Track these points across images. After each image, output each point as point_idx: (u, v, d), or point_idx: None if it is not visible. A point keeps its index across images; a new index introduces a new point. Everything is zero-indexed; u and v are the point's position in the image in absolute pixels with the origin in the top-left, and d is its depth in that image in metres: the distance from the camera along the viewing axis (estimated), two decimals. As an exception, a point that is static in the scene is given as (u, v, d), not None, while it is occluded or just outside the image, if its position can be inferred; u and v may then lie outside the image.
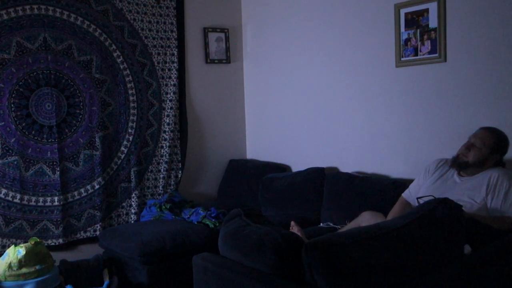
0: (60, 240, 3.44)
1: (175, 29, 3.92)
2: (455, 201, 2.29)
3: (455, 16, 2.78)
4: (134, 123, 3.75)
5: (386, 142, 3.22)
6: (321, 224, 3.17)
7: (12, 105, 3.28)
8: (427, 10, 2.88)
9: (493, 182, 2.36)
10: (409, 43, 2.99)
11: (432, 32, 2.87)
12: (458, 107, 2.82)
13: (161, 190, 3.89)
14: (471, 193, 2.40)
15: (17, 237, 3.31)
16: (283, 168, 3.96)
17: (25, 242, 2.90)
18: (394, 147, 3.18)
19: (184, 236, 3.09)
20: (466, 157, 2.45)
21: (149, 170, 3.86)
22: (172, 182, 3.96)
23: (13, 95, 3.27)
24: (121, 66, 3.68)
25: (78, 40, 3.48)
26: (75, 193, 3.51)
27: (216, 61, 4.18)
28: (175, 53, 3.92)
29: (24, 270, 2.69)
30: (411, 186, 2.73)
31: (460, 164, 2.47)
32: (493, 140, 2.42)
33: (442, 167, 2.63)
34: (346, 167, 3.48)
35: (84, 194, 3.55)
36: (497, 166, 2.45)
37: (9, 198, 3.29)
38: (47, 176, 3.40)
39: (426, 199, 2.23)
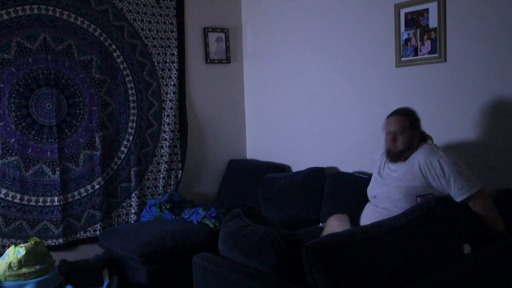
0: (60, 240, 3.44)
1: (175, 29, 3.92)
2: (394, 188, 2.38)
3: (455, 16, 2.78)
4: (134, 123, 3.75)
5: (386, 142, 3.21)
6: (321, 224, 3.17)
7: (12, 105, 3.28)
8: (427, 10, 2.88)
9: (424, 166, 2.37)
10: (409, 43, 2.99)
11: (432, 32, 2.87)
12: (458, 107, 2.82)
13: (161, 190, 3.89)
14: (407, 176, 2.41)
15: (17, 237, 3.31)
16: (283, 168, 3.97)
17: (25, 242, 2.90)
18: (394, 147, 3.17)
19: (184, 236, 3.09)
20: (397, 147, 2.48)
21: (149, 170, 3.86)
22: (172, 182, 3.96)
23: (13, 95, 3.27)
24: (121, 66, 3.68)
25: (78, 40, 3.48)
26: (75, 193, 3.51)
27: (216, 61, 4.18)
28: (175, 53, 3.92)
29: (24, 270, 2.69)
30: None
31: (396, 155, 2.49)
32: (407, 119, 2.48)
33: (381, 160, 2.66)
34: (346, 167, 3.48)
35: (84, 194, 3.55)
36: (422, 140, 2.49)
37: (9, 198, 3.29)
38: (47, 176, 3.40)
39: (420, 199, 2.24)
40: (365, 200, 3.01)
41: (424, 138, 2.52)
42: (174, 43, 3.92)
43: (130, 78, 3.73)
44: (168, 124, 3.90)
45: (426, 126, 2.97)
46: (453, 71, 2.82)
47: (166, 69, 3.90)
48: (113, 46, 3.64)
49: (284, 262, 1.70)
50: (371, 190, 2.64)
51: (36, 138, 3.36)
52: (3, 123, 3.25)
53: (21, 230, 3.33)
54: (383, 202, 2.49)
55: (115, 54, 3.65)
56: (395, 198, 2.43)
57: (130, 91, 3.73)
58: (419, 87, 3.00)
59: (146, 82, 3.80)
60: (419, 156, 2.41)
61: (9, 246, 2.94)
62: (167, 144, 3.90)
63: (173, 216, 3.48)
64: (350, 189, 3.15)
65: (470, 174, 2.32)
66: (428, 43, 2.90)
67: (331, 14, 3.50)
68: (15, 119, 3.29)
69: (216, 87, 4.21)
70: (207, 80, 4.15)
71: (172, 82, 3.91)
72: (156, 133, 3.87)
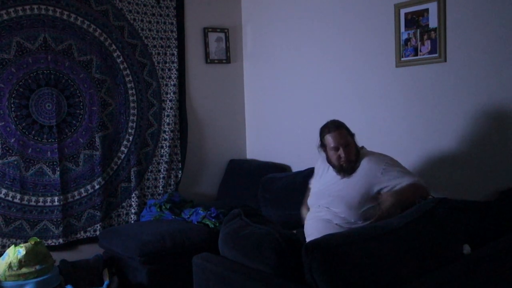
0: (60, 240, 3.44)
1: (175, 29, 3.92)
2: (352, 198, 2.43)
3: (455, 16, 2.78)
4: (134, 123, 3.75)
5: (386, 142, 3.21)
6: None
7: (12, 105, 3.28)
8: (427, 10, 2.88)
9: (370, 173, 2.45)
10: (409, 43, 2.99)
11: (432, 32, 2.87)
12: (458, 107, 2.82)
13: (161, 190, 3.89)
14: (356, 186, 2.46)
15: (17, 237, 3.31)
16: (283, 168, 3.96)
17: (25, 242, 2.90)
18: (394, 147, 3.17)
19: (184, 236, 3.09)
20: (351, 159, 2.51)
21: (149, 170, 3.86)
22: (172, 182, 3.96)
23: (13, 95, 3.27)
24: (121, 66, 3.68)
25: (78, 40, 3.48)
26: (75, 193, 3.51)
27: (216, 61, 4.18)
28: (175, 53, 3.92)
29: (24, 270, 2.69)
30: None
31: (350, 169, 2.51)
32: (346, 130, 2.56)
33: (323, 170, 2.68)
34: (346, 167, 3.47)
35: (84, 194, 3.55)
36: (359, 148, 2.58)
37: (9, 198, 3.29)
38: (47, 176, 3.40)
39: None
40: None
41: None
42: (174, 43, 3.92)
43: (130, 78, 3.73)
44: (168, 124, 3.90)
45: (426, 126, 2.98)
46: (453, 71, 2.82)
47: (166, 69, 3.90)
48: (113, 46, 3.64)
49: (284, 262, 1.70)
50: (313, 200, 2.63)
51: (36, 138, 3.36)
52: (3, 123, 3.25)
53: (21, 230, 3.33)
54: (326, 213, 2.49)
55: (115, 54, 3.65)
56: (338, 210, 2.46)
57: (130, 91, 3.73)
58: (419, 87, 3.00)
59: (146, 82, 3.80)
60: (371, 163, 2.47)
61: (9, 246, 2.94)
62: (167, 144, 3.90)
63: (173, 216, 3.48)
64: (350, 189, 3.14)
65: (410, 172, 2.51)
66: (428, 43, 2.90)
67: (331, 14, 3.50)
68: (15, 119, 3.29)
69: (216, 87, 4.21)
70: (207, 80, 4.15)
71: (172, 82, 3.91)
72: (156, 133, 3.87)
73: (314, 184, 2.74)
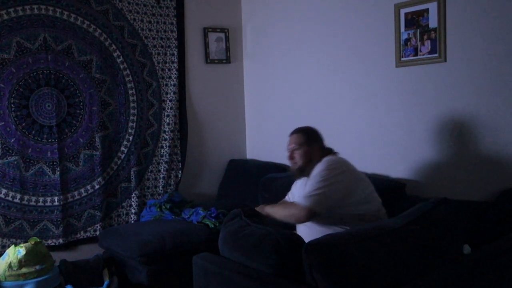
0: (60, 240, 3.44)
1: (175, 29, 3.92)
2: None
3: (455, 16, 2.78)
4: (134, 123, 3.76)
5: (386, 142, 3.22)
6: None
7: (12, 105, 3.28)
8: (427, 10, 2.88)
9: (312, 175, 2.46)
10: (409, 43, 2.99)
11: (432, 32, 2.87)
12: (458, 107, 2.82)
13: (161, 190, 3.89)
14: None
15: (17, 237, 3.31)
16: (283, 168, 3.96)
17: (25, 242, 2.90)
18: (394, 147, 3.18)
19: (184, 236, 3.09)
20: (296, 163, 2.57)
21: (149, 170, 3.86)
22: (172, 182, 3.96)
23: (13, 95, 3.28)
24: (121, 66, 3.68)
25: (78, 40, 3.48)
26: (75, 193, 3.51)
27: (216, 61, 4.18)
28: (175, 53, 3.92)
29: (24, 270, 2.69)
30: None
31: (298, 172, 2.59)
32: (303, 135, 2.59)
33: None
34: (346, 167, 3.47)
35: (84, 194, 3.55)
36: (325, 155, 2.54)
37: (9, 198, 3.29)
38: (47, 176, 3.40)
39: None
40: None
41: (328, 153, 2.58)
42: (174, 43, 3.92)
43: (130, 78, 3.73)
44: (168, 124, 3.90)
45: (425, 125, 2.98)
46: (453, 71, 2.82)
47: (166, 69, 3.90)
48: (113, 46, 3.64)
49: (284, 262, 1.70)
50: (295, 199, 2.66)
51: (36, 138, 3.36)
52: (3, 123, 3.25)
53: (21, 230, 3.33)
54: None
55: (115, 54, 3.65)
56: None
57: (130, 91, 3.73)
58: (419, 87, 3.00)
59: (146, 82, 3.80)
60: (315, 171, 2.47)
61: (9, 246, 2.94)
62: (167, 144, 3.90)
63: (173, 216, 3.48)
64: (350, 189, 3.14)
65: (319, 196, 2.33)
66: (428, 43, 2.90)
67: (331, 14, 3.50)
68: (15, 119, 3.29)
69: (216, 87, 4.21)
70: (207, 80, 4.15)
71: (172, 82, 3.91)
72: (156, 133, 3.87)
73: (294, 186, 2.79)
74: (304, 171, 2.55)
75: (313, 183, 2.39)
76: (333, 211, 2.37)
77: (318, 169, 2.45)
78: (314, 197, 2.34)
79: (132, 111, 3.74)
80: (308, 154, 2.55)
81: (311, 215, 2.33)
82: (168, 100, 3.90)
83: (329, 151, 2.60)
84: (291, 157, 2.59)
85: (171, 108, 3.89)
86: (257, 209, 2.50)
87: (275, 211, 2.51)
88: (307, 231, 2.41)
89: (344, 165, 2.47)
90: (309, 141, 2.58)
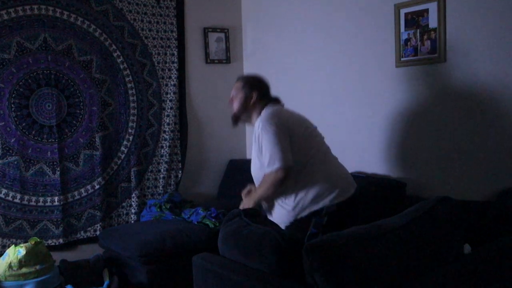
0: (60, 240, 3.44)
1: (175, 29, 3.92)
2: (254, 165, 2.43)
3: (455, 16, 2.78)
4: (134, 123, 3.75)
5: (386, 142, 3.22)
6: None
7: (12, 105, 3.28)
8: (427, 10, 2.88)
9: (256, 135, 2.36)
10: (409, 43, 2.99)
11: (432, 32, 2.87)
12: (458, 107, 2.82)
13: (161, 190, 3.89)
14: (255, 147, 2.39)
15: (17, 237, 3.31)
16: (283, 168, 3.96)
17: (25, 242, 2.90)
18: (394, 147, 3.18)
19: (184, 236, 3.09)
20: (233, 110, 2.51)
21: (149, 170, 3.86)
22: (172, 182, 3.96)
23: (13, 95, 3.28)
24: (121, 66, 3.68)
25: (78, 40, 3.48)
26: (75, 193, 3.51)
27: (216, 61, 4.18)
28: (175, 53, 3.92)
29: (24, 270, 2.69)
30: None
31: (232, 120, 2.54)
32: (242, 82, 2.50)
33: None
34: (346, 167, 3.47)
35: (84, 194, 3.55)
36: (267, 104, 2.45)
37: (9, 198, 3.29)
38: (47, 176, 3.40)
39: None
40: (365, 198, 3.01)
41: (269, 101, 2.47)
42: (174, 43, 3.92)
43: (130, 78, 3.73)
44: (168, 124, 3.90)
45: (425, 125, 2.98)
46: (453, 71, 2.82)
47: (166, 69, 3.90)
48: (113, 46, 3.64)
49: (284, 262, 1.70)
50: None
51: (36, 138, 3.36)
52: (3, 123, 3.25)
53: (21, 230, 3.33)
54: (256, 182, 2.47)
55: (115, 54, 3.65)
56: (256, 175, 2.45)
57: (130, 91, 3.73)
58: (419, 87, 3.00)
59: (146, 82, 3.80)
60: (257, 122, 2.38)
61: (9, 246, 2.94)
62: (167, 144, 3.90)
63: (173, 216, 3.48)
64: (350, 189, 3.14)
65: (277, 151, 2.24)
66: (428, 43, 2.90)
67: (331, 14, 3.50)
68: (15, 119, 3.29)
69: (216, 87, 4.21)
70: (207, 80, 4.15)
71: (172, 82, 3.91)
72: (156, 133, 3.87)
73: None
74: (238, 119, 2.51)
75: (264, 145, 2.29)
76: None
77: (258, 127, 2.33)
78: (275, 157, 2.24)
79: (132, 111, 3.74)
80: (243, 102, 2.47)
81: (286, 170, 2.24)
82: (168, 100, 3.90)
83: (270, 100, 2.49)
84: (230, 103, 2.53)
85: (171, 108, 3.89)
86: (244, 204, 2.41)
87: (260, 194, 2.37)
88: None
89: (276, 117, 2.35)
90: (246, 89, 2.47)
